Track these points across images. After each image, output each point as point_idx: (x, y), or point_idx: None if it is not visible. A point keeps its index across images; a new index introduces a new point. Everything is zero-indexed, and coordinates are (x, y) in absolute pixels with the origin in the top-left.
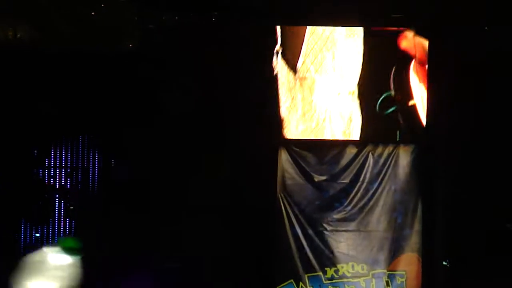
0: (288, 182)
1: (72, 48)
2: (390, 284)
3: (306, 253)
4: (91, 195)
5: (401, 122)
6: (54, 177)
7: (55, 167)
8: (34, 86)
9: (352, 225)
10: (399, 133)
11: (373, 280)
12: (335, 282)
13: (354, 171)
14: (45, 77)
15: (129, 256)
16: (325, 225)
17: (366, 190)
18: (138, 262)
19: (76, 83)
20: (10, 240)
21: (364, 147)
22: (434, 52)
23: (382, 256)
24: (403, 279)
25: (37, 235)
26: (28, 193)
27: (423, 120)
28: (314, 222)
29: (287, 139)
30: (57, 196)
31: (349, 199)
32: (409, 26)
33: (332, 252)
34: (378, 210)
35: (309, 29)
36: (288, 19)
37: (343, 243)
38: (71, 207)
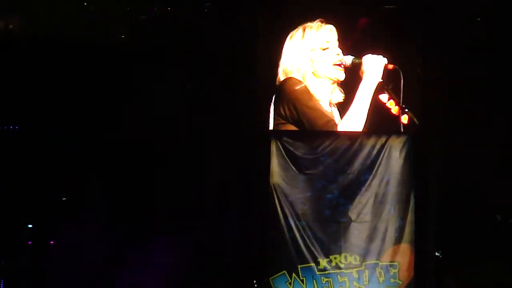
0: (280, 173)
1: (62, 39)
2: (383, 275)
3: (298, 244)
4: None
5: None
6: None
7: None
8: (22, 78)
9: (344, 216)
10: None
11: (366, 271)
12: (328, 273)
13: (346, 162)
14: (35, 68)
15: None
16: (317, 216)
17: (359, 181)
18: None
19: (66, 75)
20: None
21: (357, 138)
22: (428, 45)
23: (375, 247)
24: (396, 270)
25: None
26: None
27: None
28: (306, 213)
29: (279, 130)
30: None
31: (341, 190)
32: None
33: (324, 243)
34: (370, 201)
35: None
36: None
37: (335, 234)
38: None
